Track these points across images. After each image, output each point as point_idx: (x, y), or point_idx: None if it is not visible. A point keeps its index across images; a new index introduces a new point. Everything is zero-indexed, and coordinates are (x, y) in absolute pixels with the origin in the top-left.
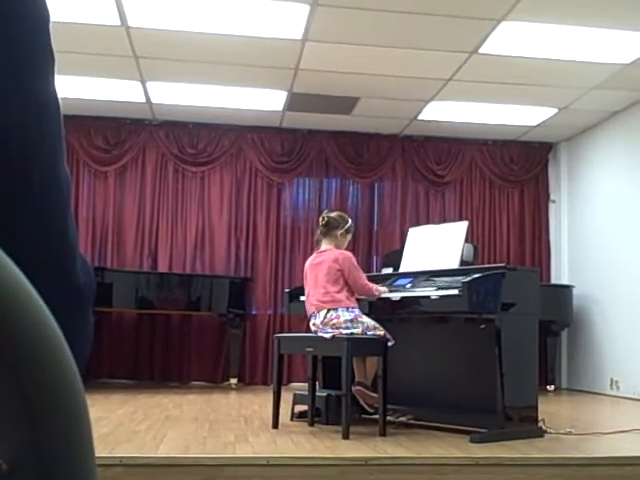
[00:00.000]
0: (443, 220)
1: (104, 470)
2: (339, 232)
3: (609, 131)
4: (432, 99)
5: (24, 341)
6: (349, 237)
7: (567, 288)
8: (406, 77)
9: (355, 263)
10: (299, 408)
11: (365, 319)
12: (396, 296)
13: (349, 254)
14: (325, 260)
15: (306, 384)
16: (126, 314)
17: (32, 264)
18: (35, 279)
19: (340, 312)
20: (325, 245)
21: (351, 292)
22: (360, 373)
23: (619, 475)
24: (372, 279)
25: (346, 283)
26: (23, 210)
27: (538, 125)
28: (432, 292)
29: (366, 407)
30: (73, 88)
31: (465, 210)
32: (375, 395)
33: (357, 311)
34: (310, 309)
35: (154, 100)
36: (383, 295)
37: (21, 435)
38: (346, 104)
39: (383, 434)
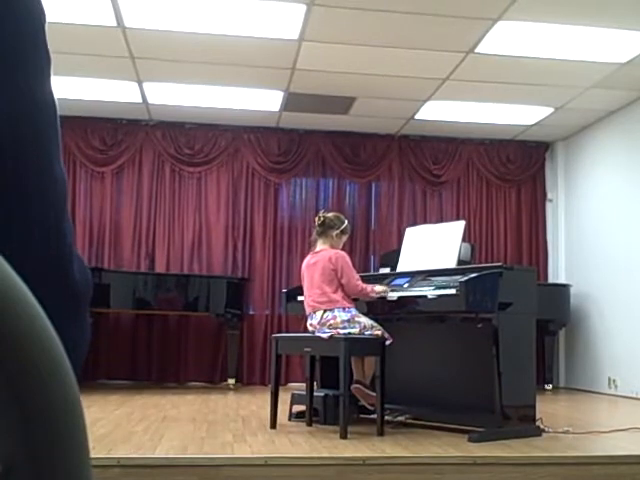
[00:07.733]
0: (440, 220)
1: (102, 471)
2: (335, 232)
3: (606, 130)
4: (429, 99)
5: (18, 343)
6: (345, 238)
7: (564, 287)
8: (403, 77)
9: (349, 263)
10: (297, 408)
11: (362, 318)
12: (393, 296)
13: (343, 253)
14: (320, 260)
15: (304, 384)
16: (123, 315)
17: (27, 265)
18: (30, 280)
19: (337, 312)
20: (320, 245)
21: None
22: (358, 372)
23: (616, 474)
24: (369, 279)
25: (341, 283)
26: (18, 210)
27: (535, 124)
28: (429, 292)
29: (367, 405)
30: (69, 89)
31: (462, 209)
32: (373, 394)
33: (354, 311)
34: (307, 310)
35: (150, 100)
36: (383, 295)
37: (16, 436)
38: (343, 104)
39: (381, 434)
